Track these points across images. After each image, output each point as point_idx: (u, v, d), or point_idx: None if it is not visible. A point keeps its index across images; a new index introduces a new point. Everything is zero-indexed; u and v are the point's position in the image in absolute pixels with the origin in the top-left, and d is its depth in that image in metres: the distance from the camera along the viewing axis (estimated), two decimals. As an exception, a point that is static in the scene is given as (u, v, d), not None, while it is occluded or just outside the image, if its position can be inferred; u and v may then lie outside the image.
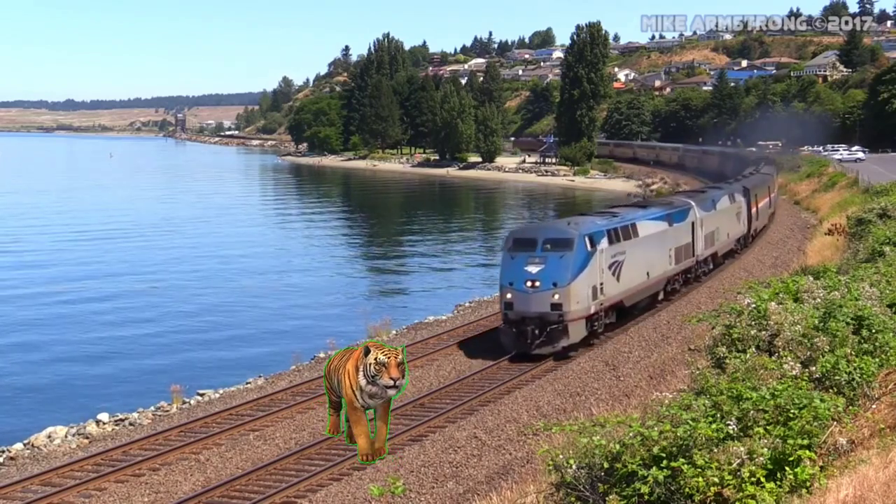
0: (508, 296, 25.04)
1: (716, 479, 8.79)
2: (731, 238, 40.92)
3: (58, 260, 53.25)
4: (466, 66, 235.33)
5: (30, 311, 39.29)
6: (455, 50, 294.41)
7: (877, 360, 12.38)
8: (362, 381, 8.69)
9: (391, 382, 8.60)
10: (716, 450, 9.05)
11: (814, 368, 11.96)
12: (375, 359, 8.61)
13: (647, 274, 29.81)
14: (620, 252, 27.36)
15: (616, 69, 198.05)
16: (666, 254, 31.74)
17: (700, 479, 8.80)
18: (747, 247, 44.42)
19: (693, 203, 35.29)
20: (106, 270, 49.49)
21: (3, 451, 20.25)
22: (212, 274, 48.93)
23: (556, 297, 24.54)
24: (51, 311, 39.30)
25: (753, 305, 14.39)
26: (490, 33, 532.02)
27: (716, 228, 37.49)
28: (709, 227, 36.34)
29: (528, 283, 24.68)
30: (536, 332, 24.60)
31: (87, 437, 20.82)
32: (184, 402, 23.40)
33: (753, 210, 45.28)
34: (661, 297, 32.22)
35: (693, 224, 34.47)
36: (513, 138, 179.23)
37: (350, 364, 8.82)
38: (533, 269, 24.73)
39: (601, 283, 25.97)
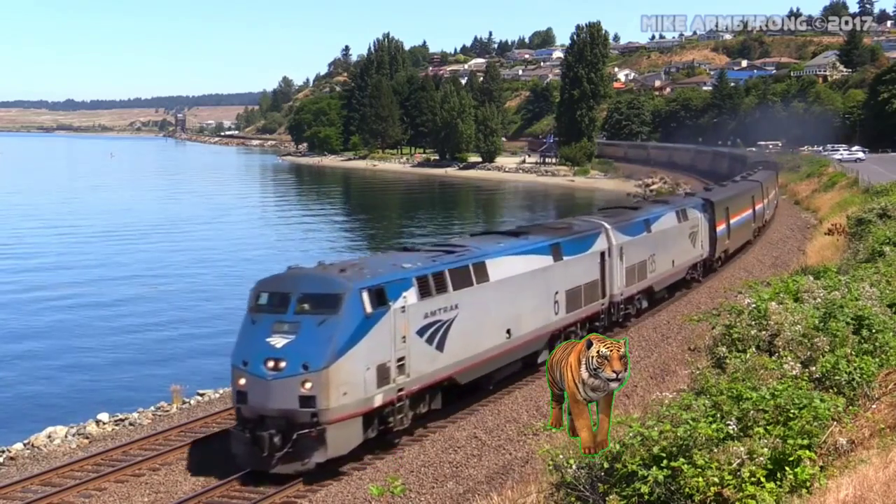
0: (241, 381, 16.74)
1: (716, 479, 8.80)
2: (681, 265, 33.35)
3: (60, 262, 53.12)
4: (466, 66, 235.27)
5: (31, 312, 39.28)
6: (455, 50, 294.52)
7: (877, 360, 12.40)
8: (584, 374, 8.82)
9: (613, 375, 8.75)
10: (716, 450, 9.07)
11: (814, 368, 11.98)
12: (598, 352, 8.77)
13: (508, 332, 21.42)
14: (446, 307, 19.04)
15: (616, 69, 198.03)
16: (548, 300, 23.39)
17: (700, 479, 8.81)
18: (714, 272, 37.52)
19: (607, 226, 27.35)
20: (106, 271, 49.48)
21: (3, 451, 20.24)
22: (211, 274, 48.92)
23: (309, 385, 16.21)
24: (52, 311, 39.27)
25: (753, 305, 14.42)
26: (490, 33, 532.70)
27: (649, 257, 29.68)
28: (635, 255, 28.58)
29: (269, 364, 16.46)
30: (278, 439, 16.22)
31: (87, 437, 20.81)
32: (184, 402, 23.40)
33: (720, 228, 37.79)
34: (542, 358, 23.02)
35: (604, 254, 26.61)
36: (520, 142, 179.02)
37: (573, 357, 8.98)
38: (278, 341, 16.57)
39: (401, 358, 17.61)
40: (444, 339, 19.01)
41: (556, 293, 23.79)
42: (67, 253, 56.20)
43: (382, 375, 17.18)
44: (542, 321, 23.15)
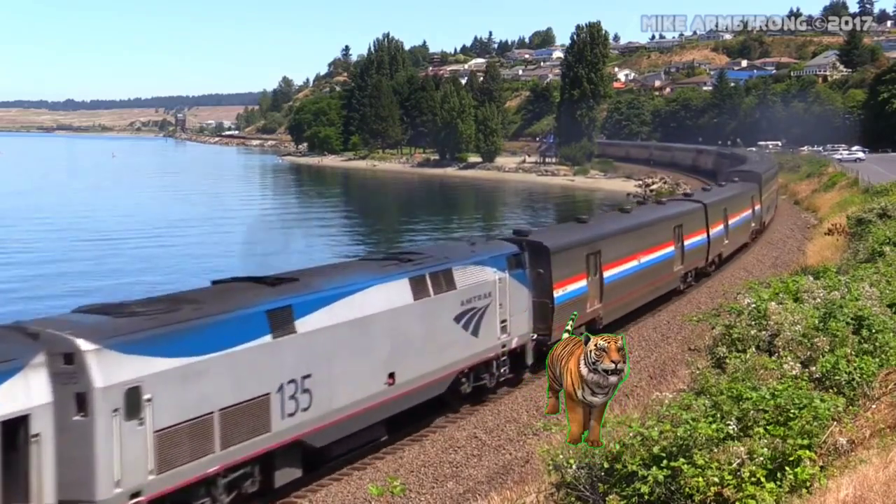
0: None
1: (716, 479, 8.81)
2: (436, 373, 19.24)
3: (65, 269, 52.96)
4: (466, 66, 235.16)
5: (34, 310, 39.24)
6: (455, 50, 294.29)
7: (877, 360, 12.40)
8: (584, 370, 8.87)
9: (612, 366, 8.77)
10: (716, 450, 9.08)
11: (814, 368, 11.98)
12: (595, 345, 8.83)
13: None
14: None
15: (616, 69, 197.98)
16: None
17: (700, 479, 8.82)
18: (522, 373, 22.98)
19: (82, 345, 12.59)
20: (105, 271, 49.47)
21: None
22: (210, 274, 48.82)
23: None
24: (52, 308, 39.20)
25: (753, 305, 14.44)
26: (490, 33, 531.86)
27: (283, 385, 15.32)
28: (215, 395, 14.16)
29: None
30: None
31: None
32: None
33: (567, 289, 24.17)
34: None
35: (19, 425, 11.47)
36: (519, 142, 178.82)
37: (573, 360, 9.04)
38: None
39: None
40: None
41: None
42: (71, 261, 55.99)
43: None
44: None
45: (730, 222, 39.66)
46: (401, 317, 18.17)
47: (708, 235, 36.18)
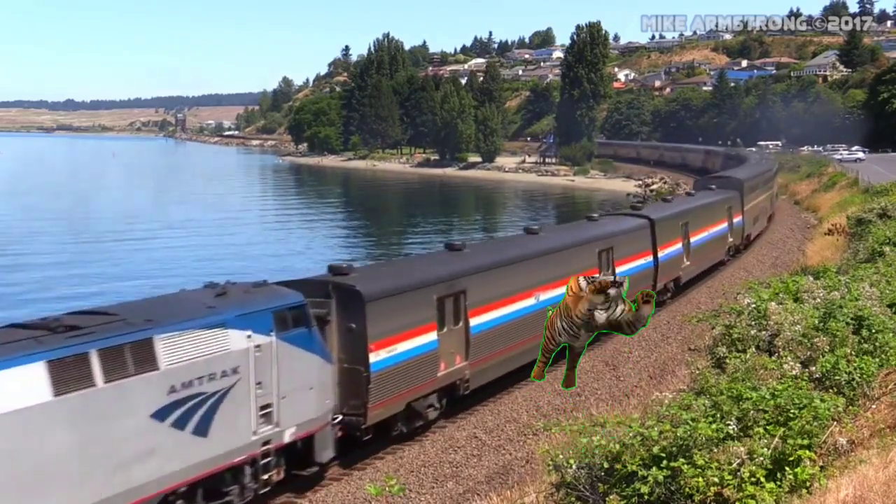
0: None
1: (716, 479, 8.81)
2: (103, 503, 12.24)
3: (67, 268, 52.96)
4: (466, 66, 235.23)
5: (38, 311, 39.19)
6: (455, 50, 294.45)
7: (877, 360, 12.41)
8: (583, 284, 9.79)
9: (612, 279, 9.58)
10: (716, 450, 9.08)
11: (814, 368, 11.99)
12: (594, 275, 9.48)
13: None
14: None
15: (616, 69, 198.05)
16: None
17: (700, 479, 8.82)
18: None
19: None
20: (108, 272, 49.46)
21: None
22: (209, 274, 48.79)
23: None
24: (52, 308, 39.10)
25: (753, 305, 14.45)
26: (490, 33, 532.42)
27: None
28: None
29: None
30: None
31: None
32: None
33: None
34: None
35: None
36: (519, 142, 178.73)
37: (572, 278, 9.89)
38: None
39: None
40: None
41: None
42: (77, 262, 56.02)
43: None
44: None
45: (692, 239, 33.79)
46: (17, 428, 11.26)
47: (656, 258, 30.20)
